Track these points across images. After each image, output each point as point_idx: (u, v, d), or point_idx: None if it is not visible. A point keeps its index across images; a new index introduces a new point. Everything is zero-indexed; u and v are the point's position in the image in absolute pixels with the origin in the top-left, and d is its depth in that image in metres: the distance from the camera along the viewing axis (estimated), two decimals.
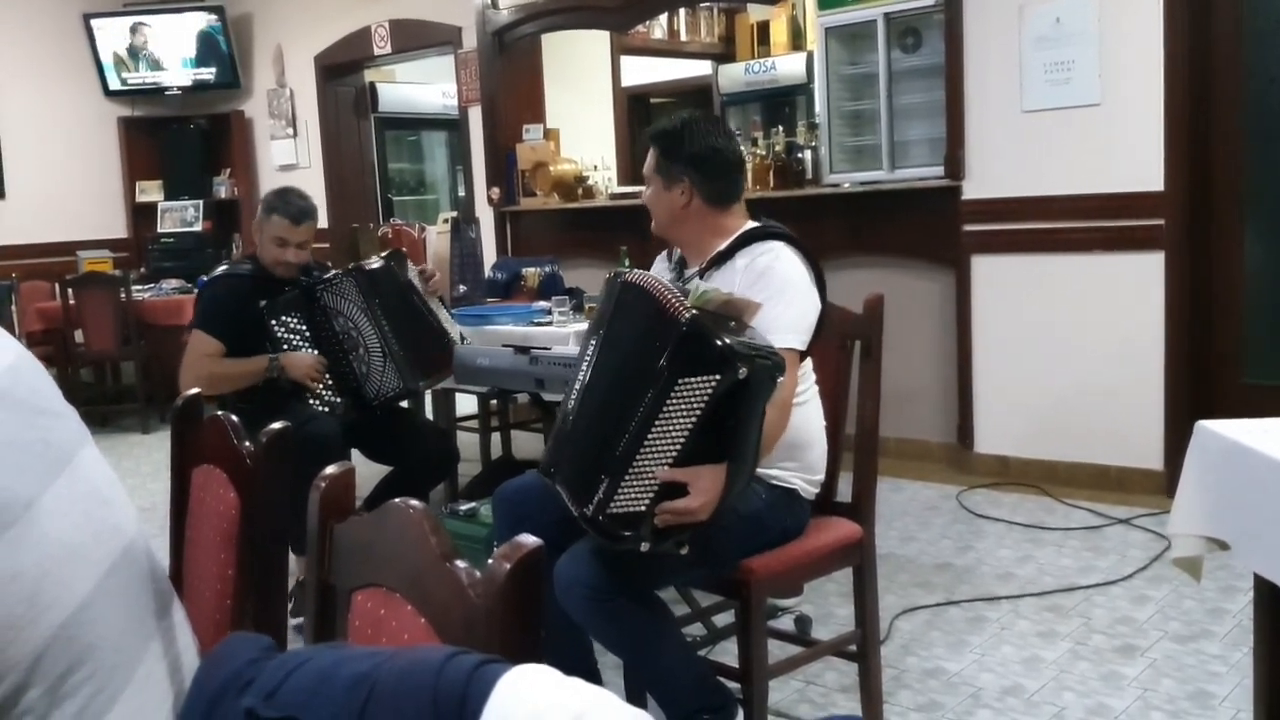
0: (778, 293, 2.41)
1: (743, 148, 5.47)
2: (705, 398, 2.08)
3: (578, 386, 2.39)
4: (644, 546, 2.17)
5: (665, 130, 2.67)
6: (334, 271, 3.94)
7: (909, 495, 4.75)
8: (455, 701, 0.79)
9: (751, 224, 2.64)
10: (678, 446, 2.13)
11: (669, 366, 2.10)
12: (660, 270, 2.79)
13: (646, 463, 2.15)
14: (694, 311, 2.11)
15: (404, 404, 4.03)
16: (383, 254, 4.03)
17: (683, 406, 2.11)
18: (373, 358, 3.76)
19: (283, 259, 3.75)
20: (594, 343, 2.39)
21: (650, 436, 2.14)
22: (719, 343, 2.05)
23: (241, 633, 1.04)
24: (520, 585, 0.94)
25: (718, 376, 2.06)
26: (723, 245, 2.59)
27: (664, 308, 2.16)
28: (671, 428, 2.12)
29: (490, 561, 0.96)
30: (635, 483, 2.16)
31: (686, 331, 2.09)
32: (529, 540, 0.96)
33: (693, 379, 2.09)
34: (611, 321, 2.35)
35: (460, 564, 1.01)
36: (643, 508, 2.16)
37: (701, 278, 2.57)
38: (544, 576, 0.99)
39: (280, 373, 3.68)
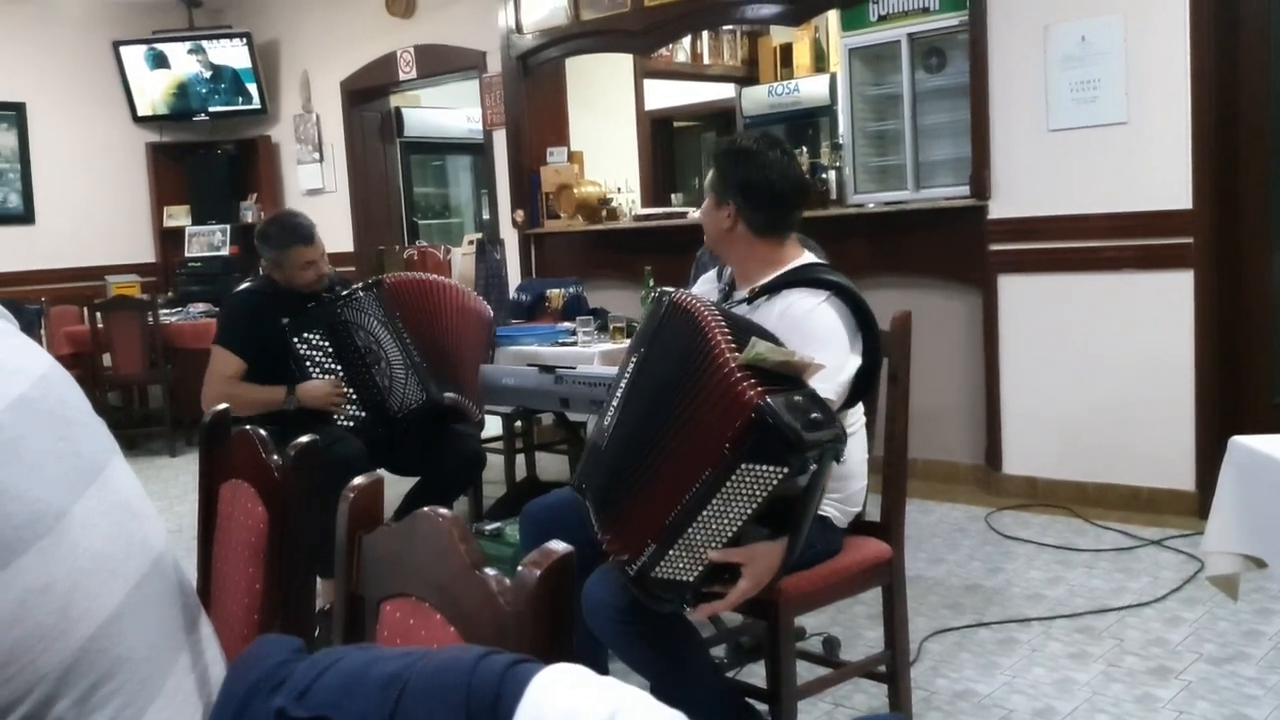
0: (809, 344, 2.28)
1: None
2: (769, 487, 1.99)
3: (615, 404, 2.36)
4: (687, 611, 2.15)
5: (726, 150, 2.67)
6: (354, 287, 3.99)
7: (937, 517, 4.71)
8: (488, 700, 0.78)
9: (806, 258, 2.59)
10: (734, 528, 2.05)
11: (733, 450, 1.98)
12: (709, 290, 2.76)
13: (698, 538, 2.07)
14: (766, 400, 1.95)
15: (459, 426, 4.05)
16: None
17: (744, 491, 2.01)
18: (395, 370, 3.83)
19: (315, 276, 3.85)
20: (634, 360, 2.36)
21: (705, 514, 2.05)
22: (792, 437, 1.93)
23: (272, 634, 1.03)
24: (551, 592, 0.93)
25: (785, 469, 1.97)
26: (769, 278, 2.54)
27: (719, 368, 2.05)
28: (730, 510, 2.03)
29: (520, 568, 0.95)
30: (685, 555, 2.10)
31: (755, 420, 1.95)
32: (559, 547, 0.94)
33: (757, 466, 1.98)
34: (652, 346, 2.31)
35: (490, 572, 1.00)
36: (690, 579, 2.11)
37: (750, 305, 2.54)
38: (574, 586, 0.98)
39: (297, 405, 3.73)
